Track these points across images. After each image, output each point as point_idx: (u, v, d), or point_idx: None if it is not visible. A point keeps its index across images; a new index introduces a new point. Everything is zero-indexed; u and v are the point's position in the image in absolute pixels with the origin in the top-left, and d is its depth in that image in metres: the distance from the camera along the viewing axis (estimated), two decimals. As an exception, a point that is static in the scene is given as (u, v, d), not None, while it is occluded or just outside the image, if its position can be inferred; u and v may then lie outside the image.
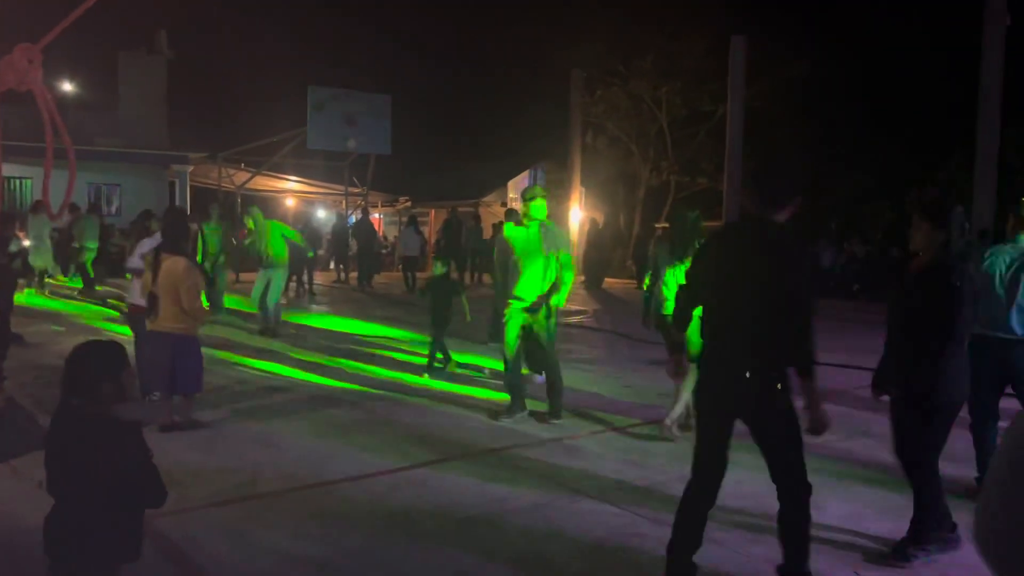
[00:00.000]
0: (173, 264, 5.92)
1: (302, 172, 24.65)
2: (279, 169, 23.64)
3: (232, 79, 30.01)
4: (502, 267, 6.54)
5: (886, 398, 4.15)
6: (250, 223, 10.41)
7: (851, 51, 24.57)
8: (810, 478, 3.48)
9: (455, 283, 9.96)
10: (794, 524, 3.45)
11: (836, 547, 4.08)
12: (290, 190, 26.16)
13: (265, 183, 24.76)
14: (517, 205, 26.38)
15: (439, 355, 8.47)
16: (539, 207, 6.34)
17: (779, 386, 3.36)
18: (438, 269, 8.84)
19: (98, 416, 2.57)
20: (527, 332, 6.44)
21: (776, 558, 3.54)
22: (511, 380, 6.54)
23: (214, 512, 4.44)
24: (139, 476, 2.63)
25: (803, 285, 3.34)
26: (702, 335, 3.58)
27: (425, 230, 25.12)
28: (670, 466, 5.33)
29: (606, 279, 20.44)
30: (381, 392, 7.51)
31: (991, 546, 1.14)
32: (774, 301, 3.30)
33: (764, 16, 22.60)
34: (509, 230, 6.51)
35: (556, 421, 6.41)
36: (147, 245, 6.57)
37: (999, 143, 16.30)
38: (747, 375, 3.36)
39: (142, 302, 6.31)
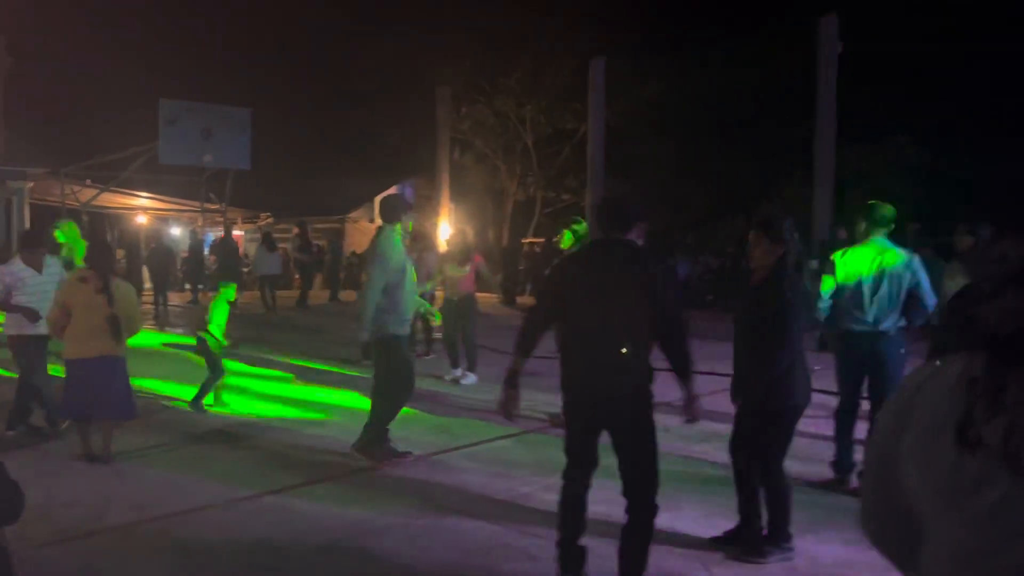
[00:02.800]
0: (126, 289, 5.95)
1: (155, 188, 23.45)
2: (129, 185, 22.39)
3: (79, 89, 28.25)
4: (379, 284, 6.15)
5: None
6: (59, 236, 9.44)
7: (702, 73, 25.89)
8: (667, 481, 3.63)
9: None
10: (636, 542, 3.55)
11: (691, 547, 4.26)
12: (141, 207, 24.83)
13: (114, 200, 23.39)
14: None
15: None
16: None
17: (640, 396, 3.53)
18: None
19: None
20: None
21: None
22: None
23: (55, 550, 4.15)
24: None
25: (668, 293, 3.56)
26: (563, 351, 3.66)
27: (288, 247, 24.49)
28: (535, 476, 5.41)
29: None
30: (242, 415, 7.25)
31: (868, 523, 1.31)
32: (635, 312, 3.49)
33: (623, 39, 23.47)
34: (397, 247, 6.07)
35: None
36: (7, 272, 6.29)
37: (834, 161, 17.60)
38: (609, 386, 3.50)
39: (31, 329, 6.14)
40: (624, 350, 3.49)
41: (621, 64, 21.23)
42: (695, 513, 4.73)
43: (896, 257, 5.15)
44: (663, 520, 4.52)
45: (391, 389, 5.82)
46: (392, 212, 5.91)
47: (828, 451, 5.46)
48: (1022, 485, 1.03)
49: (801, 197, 22.13)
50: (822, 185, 17.13)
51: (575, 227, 7.29)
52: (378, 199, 26.08)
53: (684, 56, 25.39)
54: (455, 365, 9.18)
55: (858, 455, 5.22)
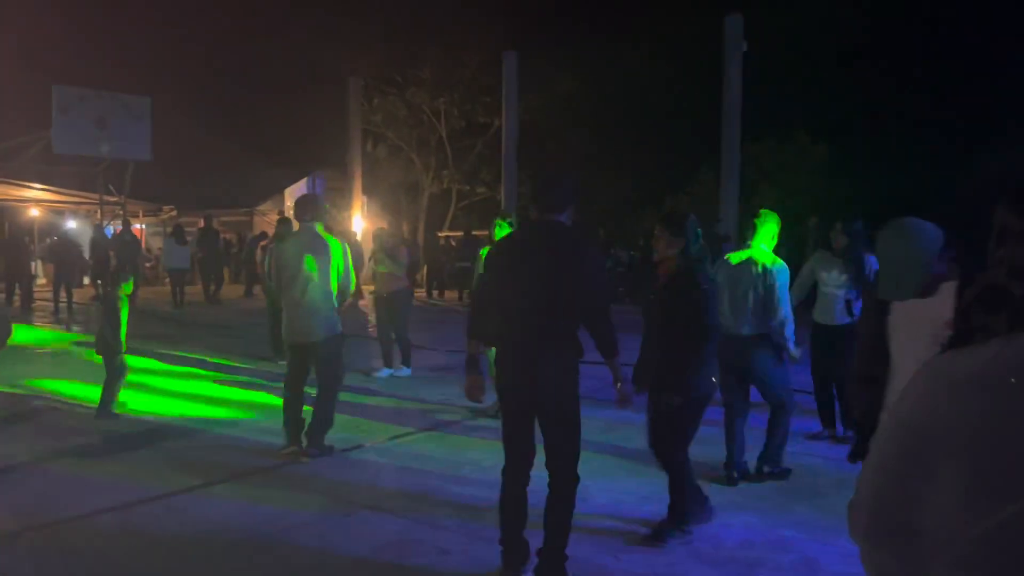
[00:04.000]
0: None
1: (49, 179, 22.32)
2: (20, 176, 21.24)
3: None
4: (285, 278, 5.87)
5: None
6: None
7: (614, 68, 26.29)
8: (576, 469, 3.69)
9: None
10: (559, 510, 3.65)
11: (599, 534, 4.32)
12: (34, 199, 23.61)
13: (3, 192, 22.17)
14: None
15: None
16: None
17: (568, 377, 3.60)
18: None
19: None
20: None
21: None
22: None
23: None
24: None
25: (594, 275, 3.65)
26: (497, 333, 3.71)
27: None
28: (447, 471, 5.39)
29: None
30: (140, 415, 6.97)
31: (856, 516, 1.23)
32: (562, 293, 3.53)
33: (535, 32, 23.62)
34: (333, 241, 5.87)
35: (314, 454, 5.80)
36: None
37: (739, 156, 18.14)
38: (537, 365, 3.56)
39: None
40: (548, 331, 3.54)
41: (534, 58, 21.34)
42: (603, 500, 4.80)
43: (759, 265, 5.24)
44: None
45: (336, 386, 5.88)
46: (317, 210, 5.85)
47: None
48: None
49: (709, 192, 22.76)
50: (728, 180, 17.63)
51: (509, 220, 7.13)
52: (288, 191, 25.41)
53: (596, 51, 25.73)
54: (388, 365, 9.05)
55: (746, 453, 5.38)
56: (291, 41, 27.04)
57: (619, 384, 3.77)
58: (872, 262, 5.82)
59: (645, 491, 4.96)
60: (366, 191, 23.99)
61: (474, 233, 21.00)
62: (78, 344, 11.01)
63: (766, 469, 5.33)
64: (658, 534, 4.24)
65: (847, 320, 6.10)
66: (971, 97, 22.82)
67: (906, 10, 23.59)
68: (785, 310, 5.14)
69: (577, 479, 3.69)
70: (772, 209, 5.61)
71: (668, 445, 4.29)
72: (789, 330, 5.14)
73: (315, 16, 26.68)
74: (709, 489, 4.74)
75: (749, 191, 21.98)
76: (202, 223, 18.97)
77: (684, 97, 26.10)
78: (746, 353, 5.19)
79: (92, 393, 7.17)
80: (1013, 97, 19.76)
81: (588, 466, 5.19)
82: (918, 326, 2.65)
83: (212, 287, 17.90)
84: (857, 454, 2.97)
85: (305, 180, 26.54)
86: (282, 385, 5.91)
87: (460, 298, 19.29)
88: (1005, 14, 21.80)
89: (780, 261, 5.24)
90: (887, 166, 22.60)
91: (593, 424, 5.37)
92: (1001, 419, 1.05)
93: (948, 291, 2.60)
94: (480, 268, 6.72)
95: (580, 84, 26.09)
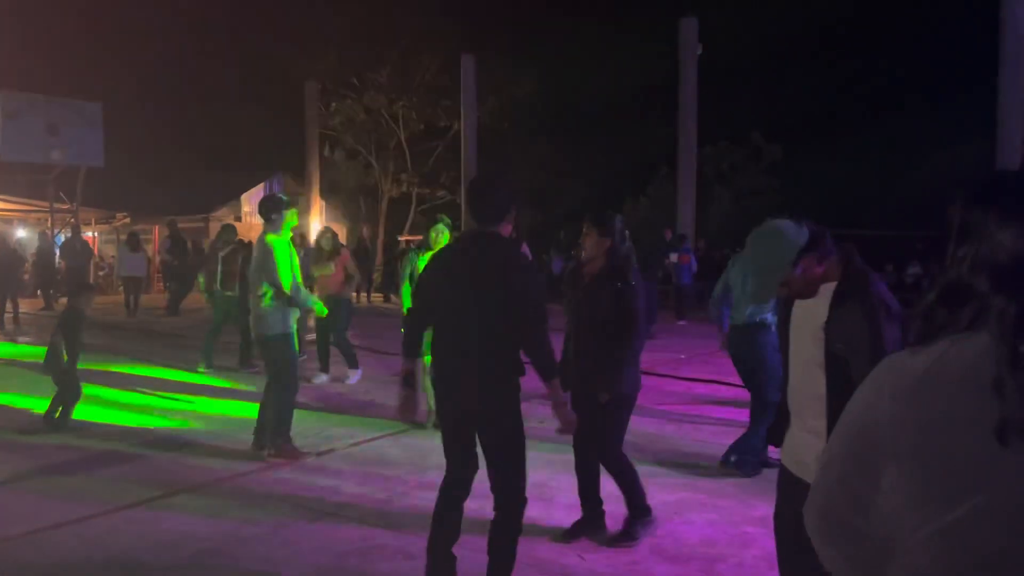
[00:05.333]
0: None
1: (-4, 187, 21.78)
2: (-33, 184, 20.71)
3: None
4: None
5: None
6: None
7: (572, 72, 26.47)
8: (539, 469, 3.66)
9: None
10: (501, 534, 3.49)
11: (563, 535, 4.34)
12: (-19, 208, 23.01)
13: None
14: (254, 219, 25.31)
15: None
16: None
17: (506, 398, 3.41)
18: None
19: None
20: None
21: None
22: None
23: None
24: None
25: (523, 291, 3.37)
26: (433, 347, 3.57)
27: (149, 248, 23.28)
28: (411, 476, 5.37)
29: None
30: (96, 426, 6.83)
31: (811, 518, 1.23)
32: (499, 308, 3.36)
33: (492, 36, 23.68)
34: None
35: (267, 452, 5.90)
36: None
37: (696, 158, 18.37)
38: (476, 382, 3.41)
39: None
40: (485, 349, 3.36)
41: (491, 62, 21.39)
42: (567, 501, 4.83)
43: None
44: (536, 510, 4.60)
45: (279, 386, 5.90)
46: (266, 210, 5.92)
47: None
48: None
49: (668, 193, 23.02)
50: (685, 181, 17.83)
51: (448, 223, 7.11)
52: (244, 196, 25.11)
53: (553, 55, 25.87)
54: (324, 370, 8.98)
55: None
56: (247, 45, 26.76)
57: (558, 409, 3.49)
58: None
59: (606, 490, 4.98)
60: (324, 195, 23.81)
61: (399, 238, 21.04)
62: (25, 357, 10.75)
63: (733, 459, 5.44)
64: (627, 532, 4.27)
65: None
66: (926, 96, 23.39)
67: (859, 11, 24.10)
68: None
69: (523, 502, 3.50)
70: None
71: (601, 444, 4.30)
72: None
73: (271, 20, 26.42)
74: (675, 483, 4.79)
75: (706, 192, 22.25)
76: (167, 230, 18.39)
77: (641, 100, 26.35)
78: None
79: (41, 406, 7.01)
80: (966, 97, 20.31)
81: (552, 465, 5.24)
82: (805, 325, 2.75)
83: (178, 297, 17.30)
84: (770, 435, 3.04)
85: (262, 185, 26.24)
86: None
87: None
88: (956, 15, 22.38)
89: None
90: (842, 165, 23.08)
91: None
92: (945, 422, 1.04)
93: (826, 292, 2.67)
94: (406, 275, 6.78)
95: (538, 87, 26.21)
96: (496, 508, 3.50)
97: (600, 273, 4.24)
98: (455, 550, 3.58)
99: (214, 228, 22.26)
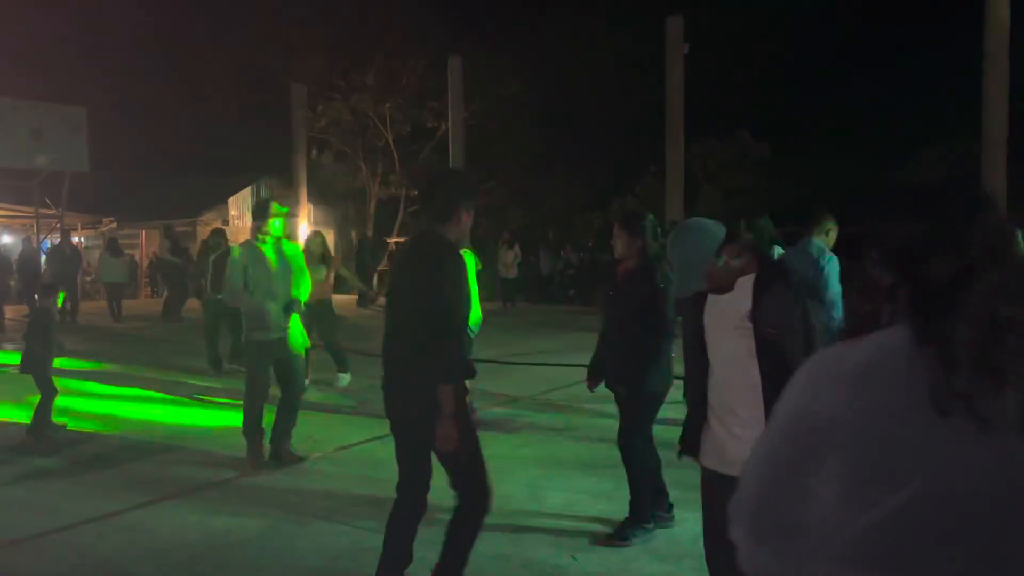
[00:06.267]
0: None
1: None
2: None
3: None
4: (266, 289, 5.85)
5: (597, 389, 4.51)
6: None
7: (559, 74, 26.48)
8: (529, 468, 3.65)
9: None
10: (456, 531, 3.38)
11: (555, 534, 4.34)
12: (-34, 214, 22.83)
13: (-66, 206, 21.41)
14: (239, 222, 25.23)
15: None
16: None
17: (429, 398, 3.21)
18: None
19: None
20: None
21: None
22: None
23: None
24: None
25: (436, 293, 3.22)
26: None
27: (135, 253, 23.20)
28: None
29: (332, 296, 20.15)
30: (84, 433, 6.78)
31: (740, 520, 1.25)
32: (416, 310, 3.28)
33: (478, 37, 23.68)
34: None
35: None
36: None
37: (683, 156, 18.41)
38: (400, 387, 3.35)
39: None
40: (415, 352, 3.26)
41: (478, 62, 21.38)
42: (558, 500, 4.82)
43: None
44: (528, 508, 4.61)
45: (250, 391, 5.85)
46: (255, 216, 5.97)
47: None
48: (998, 453, 1.03)
49: (656, 192, 23.07)
50: (673, 180, 17.87)
51: None
52: (232, 200, 24.94)
53: (540, 55, 25.88)
54: (342, 370, 8.95)
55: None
56: (233, 48, 26.64)
57: (441, 421, 3.17)
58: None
59: (599, 489, 5.00)
60: (312, 199, 23.73)
61: (387, 240, 21.04)
62: (10, 363, 10.67)
63: None
64: (621, 532, 4.27)
65: None
66: (912, 93, 23.53)
67: (844, 9, 24.23)
68: None
69: (481, 508, 3.35)
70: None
71: (629, 442, 4.31)
72: None
73: (257, 23, 26.30)
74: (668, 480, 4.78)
75: (694, 191, 22.32)
76: (166, 236, 18.12)
77: (629, 99, 26.42)
78: None
79: (23, 414, 6.95)
80: (951, 94, 20.44)
81: (544, 463, 5.25)
82: (724, 320, 2.79)
83: (178, 302, 17.10)
84: (684, 443, 3.04)
85: (249, 189, 26.15)
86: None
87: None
88: (940, 13, 22.52)
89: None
90: (829, 162, 23.19)
91: (546, 422, 5.39)
92: (884, 409, 1.09)
93: (745, 285, 2.74)
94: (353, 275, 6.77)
95: (525, 87, 26.22)
96: (456, 510, 3.40)
97: (632, 272, 4.29)
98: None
99: (201, 233, 22.13)
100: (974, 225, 1.13)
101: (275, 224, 5.90)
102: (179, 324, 15.37)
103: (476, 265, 5.63)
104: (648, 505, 4.31)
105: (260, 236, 5.88)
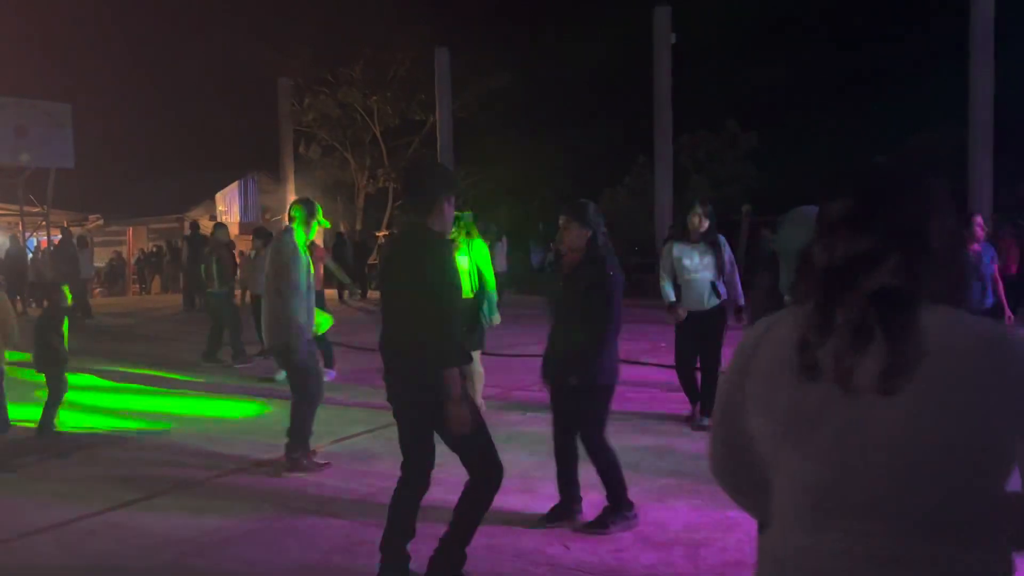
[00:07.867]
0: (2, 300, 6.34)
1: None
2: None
3: None
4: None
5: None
6: None
7: (545, 63, 26.44)
8: (523, 459, 3.66)
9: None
10: (465, 503, 3.52)
11: (548, 525, 4.34)
12: (-50, 212, 22.65)
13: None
14: (227, 218, 25.08)
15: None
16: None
17: (428, 381, 3.36)
18: None
19: None
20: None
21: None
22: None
23: None
24: None
25: (427, 283, 3.32)
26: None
27: (123, 250, 23.07)
28: (394, 470, 5.33)
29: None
30: (75, 431, 6.75)
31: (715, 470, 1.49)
32: (407, 300, 3.43)
33: (466, 29, 23.60)
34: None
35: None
36: None
37: (672, 147, 18.41)
38: (398, 373, 3.49)
39: None
40: (411, 340, 3.40)
41: (465, 55, 21.31)
42: (550, 491, 4.82)
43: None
44: (519, 500, 4.61)
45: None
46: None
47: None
48: (859, 413, 1.18)
49: (646, 183, 23.08)
50: (662, 171, 17.88)
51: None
52: (219, 195, 24.88)
53: (527, 46, 25.83)
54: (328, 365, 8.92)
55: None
56: (219, 42, 26.47)
57: (448, 405, 3.33)
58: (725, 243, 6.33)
59: (589, 479, 5.00)
60: (300, 193, 23.64)
61: (377, 234, 20.94)
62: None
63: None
64: (600, 521, 4.28)
65: (716, 302, 6.23)
66: (899, 81, 23.59)
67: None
68: None
69: (491, 483, 3.50)
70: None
71: (589, 432, 4.30)
72: None
73: (243, 17, 26.15)
74: (656, 467, 4.80)
75: (683, 181, 22.32)
76: (190, 231, 17.91)
77: (617, 89, 26.39)
78: None
79: (20, 412, 6.91)
80: (938, 82, 20.50)
81: (538, 454, 5.24)
82: None
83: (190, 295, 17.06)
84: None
85: (236, 184, 26.03)
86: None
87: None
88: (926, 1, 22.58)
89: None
90: (817, 150, 23.23)
91: (540, 415, 5.39)
92: (776, 370, 1.29)
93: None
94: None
95: (512, 79, 26.16)
96: (466, 484, 3.55)
97: (580, 263, 4.27)
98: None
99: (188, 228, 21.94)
100: (892, 206, 1.26)
101: (315, 228, 5.76)
102: (166, 320, 15.35)
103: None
104: (625, 492, 4.31)
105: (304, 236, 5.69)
